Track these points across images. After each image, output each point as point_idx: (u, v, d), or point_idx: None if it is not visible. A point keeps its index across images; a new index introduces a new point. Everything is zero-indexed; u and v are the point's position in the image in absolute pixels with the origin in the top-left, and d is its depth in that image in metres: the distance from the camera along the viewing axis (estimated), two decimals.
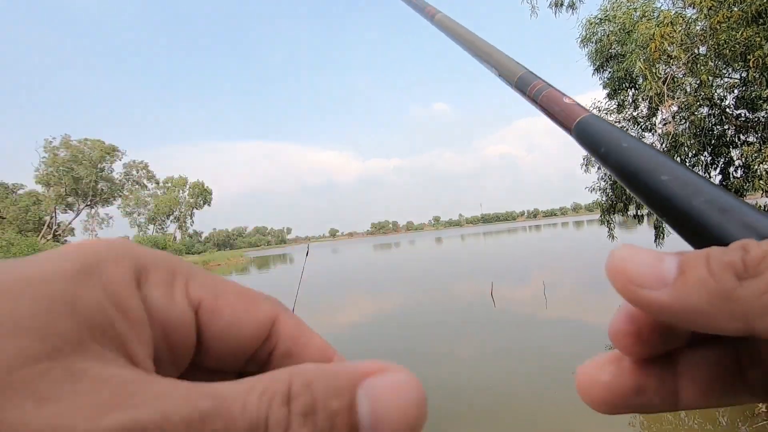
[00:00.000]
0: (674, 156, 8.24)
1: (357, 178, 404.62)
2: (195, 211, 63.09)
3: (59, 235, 40.61)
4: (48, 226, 39.41)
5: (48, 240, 35.80)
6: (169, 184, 61.47)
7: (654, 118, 9.22)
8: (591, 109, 7.87)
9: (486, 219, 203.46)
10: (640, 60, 7.33)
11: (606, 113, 9.93)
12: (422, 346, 8.19)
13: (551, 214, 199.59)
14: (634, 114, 9.78)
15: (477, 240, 54.26)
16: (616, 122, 9.93)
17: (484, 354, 7.39)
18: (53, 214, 39.85)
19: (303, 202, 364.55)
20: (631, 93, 9.73)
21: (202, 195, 62.85)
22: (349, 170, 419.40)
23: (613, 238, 10.44)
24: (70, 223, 42.90)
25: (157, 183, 54.60)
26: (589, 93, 12.32)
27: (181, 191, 62.07)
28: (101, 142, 40.17)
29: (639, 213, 10.17)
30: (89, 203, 41.67)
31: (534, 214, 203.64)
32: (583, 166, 10.27)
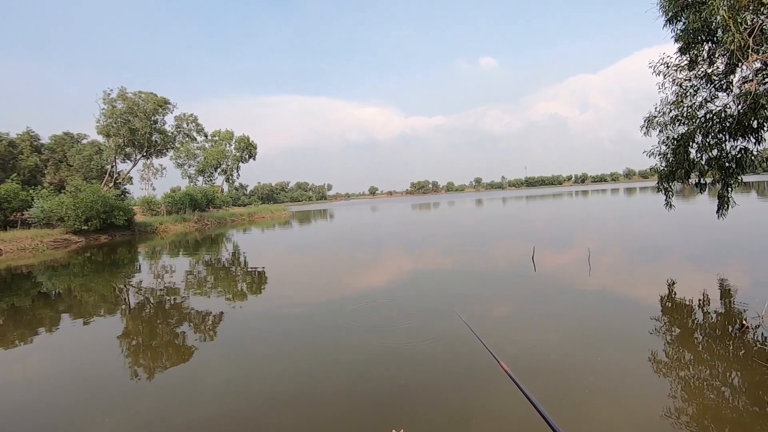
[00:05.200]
0: (752, 119, 7.44)
1: (398, 136, 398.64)
2: (240, 164, 65.11)
3: (119, 183, 43.50)
4: (109, 174, 42.24)
5: (110, 187, 38.48)
6: (217, 138, 63.44)
7: (732, 76, 8.27)
8: (658, 65, 7.20)
9: (530, 182, 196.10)
10: (723, 7, 6.49)
11: (675, 70, 9.01)
12: (455, 305, 8.28)
13: (601, 179, 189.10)
14: (709, 71, 8.80)
15: (519, 203, 52.81)
16: (686, 80, 9.02)
17: (517, 316, 7.39)
18: (114, 163, 42.53)
19: (343, 160, 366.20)
20: (707, 47, 8.71)
21: (247, 149, 64.50)
22: (390, 127, 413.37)
23: (670, 206, 9.79)
24: (128, 172, 45.74)
25: (206, 136, 56.41)
26: (655, 47, 11.15)
27: (227, 144, 63.98)
28: (154, 94, 41.61)
29: (702, 181, 9.41)
30: (145, 154, 43.98)
31: (582, 179, 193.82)
32: (643, 128, 9.51)
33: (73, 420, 4.74)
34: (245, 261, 17.45)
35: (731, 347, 5.50)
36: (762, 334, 5.76)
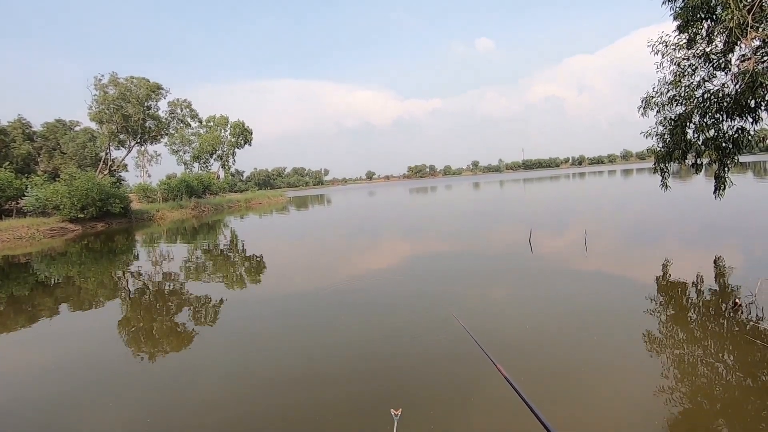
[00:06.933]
0: (750, 98, 7.39)
1: (395, 120, 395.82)
2: (236, 150, 64.56)
3: (114, 170, 43.15)
4: (104, 161, 41.84)
5: (105, 175, 38.18)
6: (211, 123, 62.71)
7: (730, 54, 8.17)
8: (657, 44, 7.07)
9: (527, 165, 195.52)
10: None
11: (674, 49, 8.90)
12: (454, 288, 8.35)
13: (598, 161, 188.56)
14: (707, 50, 8.70)
15: (516, 186, 52.78)
16: (684, 59, 8.92)
17: (513, 299, 7.46)
18: (108, 150, 42.06)
19: (340, 144, 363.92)
20: (706, 25, 8.59)
21: (243, 134, 63.89)
22: (386, 111, 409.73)
23: (666, 187, 9.80)
24: (123, 159, 45.34)
25: (200, 121, 55.65)
26: (653, 26, 10.98)
27: (222, 130, 63.31)
28: (146, 80, 40.88)
29: (698, 161, 9.40)
30: (139, 140, 43.47)
31: (579, 161, 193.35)
32: (641, 109, 9.44)
33: (78, 404, 4.80)
34: (243, 248, 17.47)
35: (725, 325, 5.58)
36: (755, 311, 5.85)
